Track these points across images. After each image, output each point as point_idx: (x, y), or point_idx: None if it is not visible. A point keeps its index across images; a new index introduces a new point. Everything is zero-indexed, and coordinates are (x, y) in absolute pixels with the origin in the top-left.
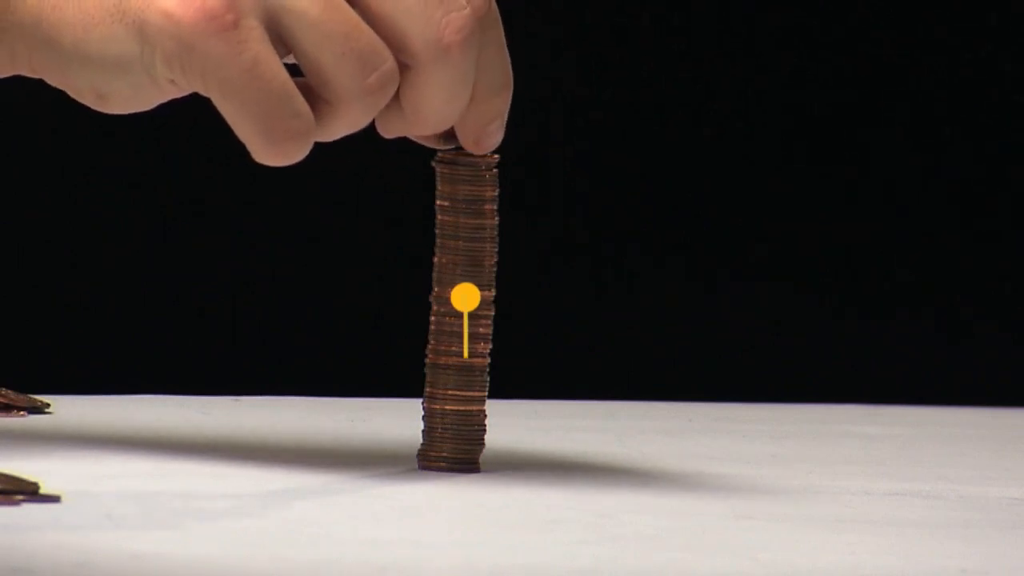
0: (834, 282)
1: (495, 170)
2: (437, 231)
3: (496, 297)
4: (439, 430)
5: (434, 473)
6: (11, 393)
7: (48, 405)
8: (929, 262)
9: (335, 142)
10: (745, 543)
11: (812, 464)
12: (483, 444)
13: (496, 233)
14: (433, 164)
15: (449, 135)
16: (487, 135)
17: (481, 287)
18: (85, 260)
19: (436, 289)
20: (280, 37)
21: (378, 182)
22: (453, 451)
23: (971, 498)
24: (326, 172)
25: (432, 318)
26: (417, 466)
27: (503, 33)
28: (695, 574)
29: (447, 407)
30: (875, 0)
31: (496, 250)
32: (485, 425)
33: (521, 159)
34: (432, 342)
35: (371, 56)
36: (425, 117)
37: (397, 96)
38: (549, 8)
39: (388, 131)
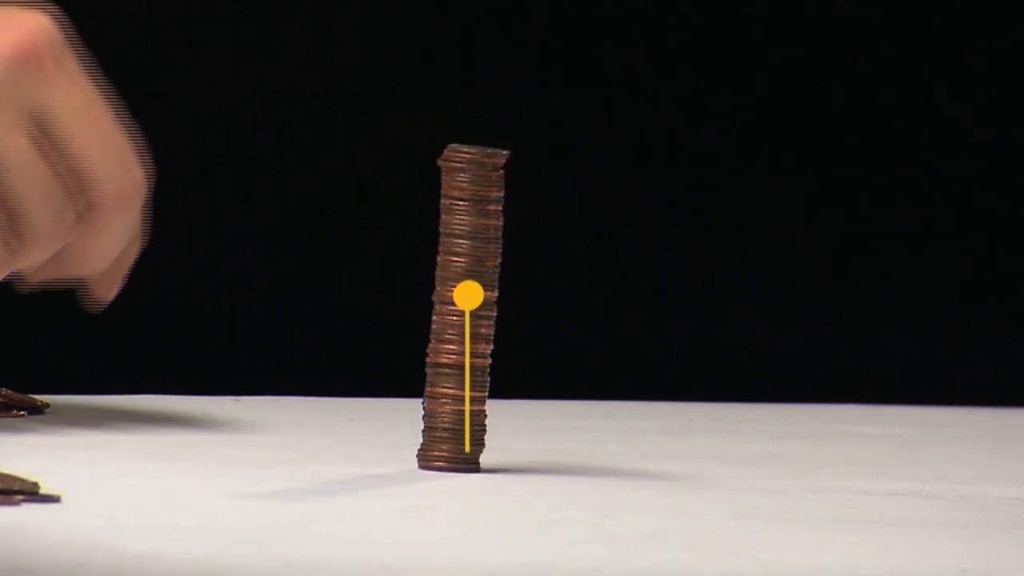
0: (834, 282)
1: (501, 171)
2: (441, 230)
3: (498, 298)
4: (439, 430)
5: (434, 473)
6: (11, 393)
7: (47, 405)
8: (929, 262)
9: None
10: (745, 543)
11: (812, 464)
12: (483, 444)
13: (500, 234)
14: (439, 163)
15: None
16: (116, 287)
17: (484, 287)
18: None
19: (438, 289)
20: None
21: (378, 182)
22: (453, 451)
23: (971, 498)
24: (326, 171)
25: (433, 318)
26: (417, 466)
27: (145, 197)
28: (695, 574)
29: (447, 407)
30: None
31: (500, 251)
32: (485, 425)
33: (521, 159)
34: (432, 342)
35: (62, 206)
36: (86, 262)
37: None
38: (551, 9)
39: (42, 275)
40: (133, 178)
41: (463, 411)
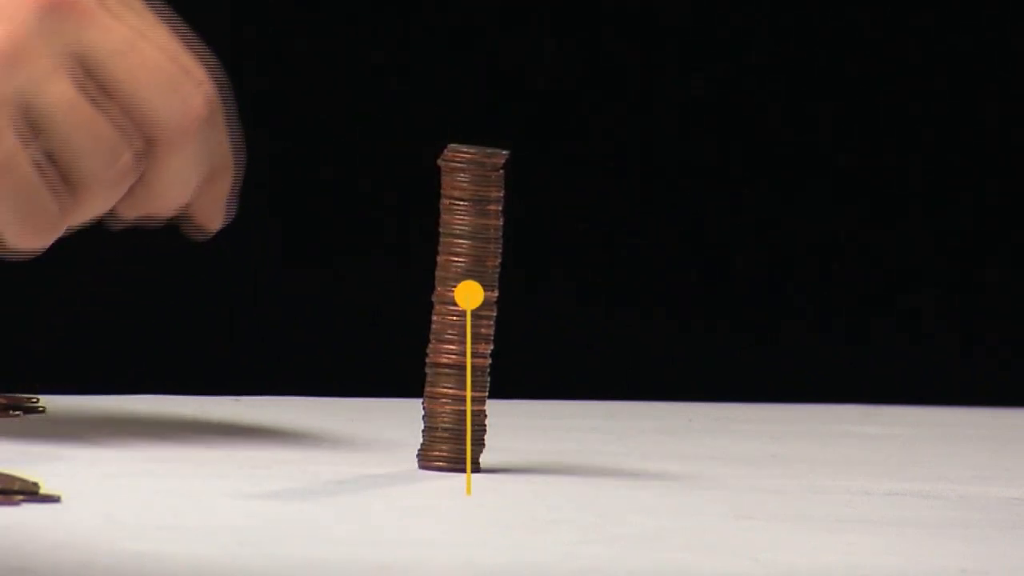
0: (833, 282)
1: (501, 171)
2: (441, 230)
3: (498, 298)
4: (439, 430)
5: (434, 473)
6: (6, 394)
7: (44, 409)
8: (929, 262)
9: (335, 140)
10: (745, 543)
11: (812, 464)
12: (483, 444)
13: (500, 234)
14: (439, 163)
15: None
16: (218, 215)
17: (484, 287)
18: (84, 259)
19: (438, 289)
20: (31, 128)
21: (379, 181)
22: (453, 451)
23: (971, 498)
24: (326, 171)
25: (433, 318)
26: (417, 466)
27: (224, 117)
28: (695, 574)
29: (447, 407)
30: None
31: (500, 251)
32: (485, 425)
33: (521, 159)
34: (432, 342)
35: (115, 148)
36: (164, 197)
37: (137, 187)
38: (555, 9)
39: (129, 214)
40: (191, 107)
41: (463, 411)
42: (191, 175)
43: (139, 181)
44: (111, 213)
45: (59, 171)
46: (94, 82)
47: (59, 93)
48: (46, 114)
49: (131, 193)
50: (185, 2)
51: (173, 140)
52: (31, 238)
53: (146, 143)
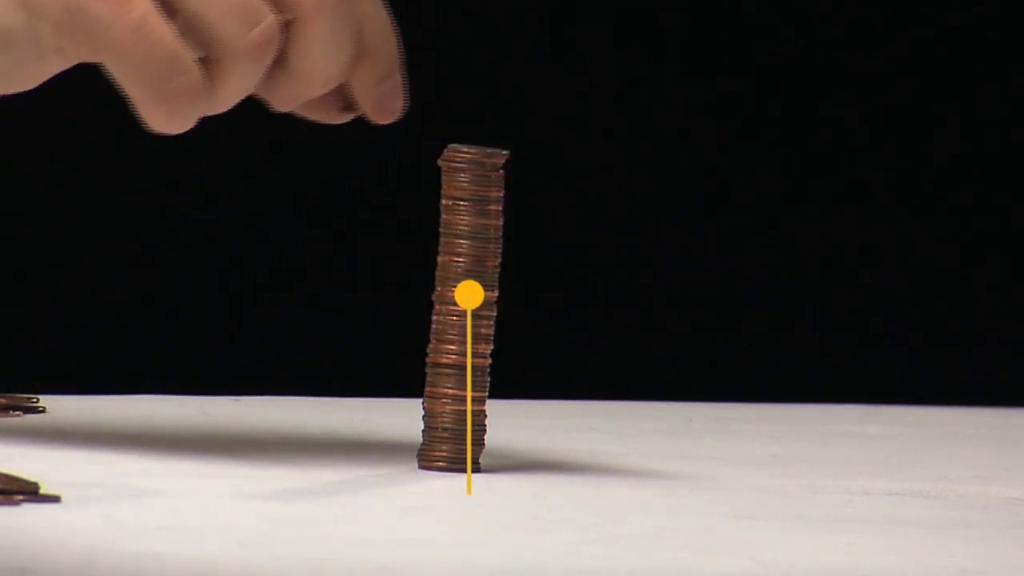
0: (833, 282)
1: (501, 171)
2: (441, 230)
3: (498, 298)
4: (439, 430)
5: (434, 473)
6: (6, 394)
7: (44, 409)
8: (929, 262)
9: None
10: (745, 543)
11: (812, 464)
12: (483, 444)
13: (500, 234)
14: (439, 163)
15: (348, 106)
16: (386, 96)
17: (484, 287)
18: (84, 259)
19: (438, 289)
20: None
21: (379, 181)
22: (453, 451)
23: (971, 498)
24: (326, 170)
25: (434, 318)
26: (417, 466)
27: None
28: (695, 574)
29: (447, 407)
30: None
31: (500, 251)
32: (485, 425)
33: (522, 159)
34: (433, 342)
35: (252, 11)
36: (312, 72)
37: (282, 62)
38: (561, 12)
39: (280, 99)
40: None
41: (463, 411)
42: (337, 45)
43: (280, 57)
44: (263, 100)
45: (197, 43)
46: None
47: None
48: None
49: (274, 72)
50: None
51: (311, 7)
52: (169, 115)
53: (283, 13)
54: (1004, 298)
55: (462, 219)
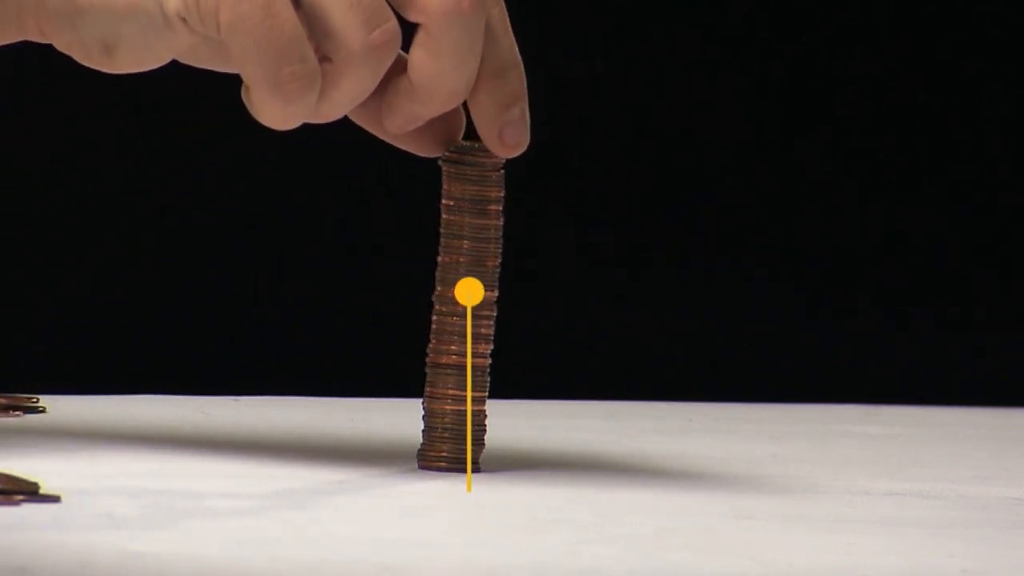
0: (834, 282)
1: (501, 171)
2: (441, 230)
3: (499, 298)
4: (439, 430)
5: (434, 473)
6: (6, 394)
7: (44, 409)
8: (929, 262)
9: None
10: (745, 543)
11: (812, 464)
12: (483, 444)
13: (501, 234)
14: (439, 163)
15: (451, 135)
16: (510, 125)
17: (484, 287)
18: (84, 259)
19: (439, 288)
20: None
21: (379, 181)
22: (453, 451)
23: (971, 498)
24: (327, 171)
25: (433, 318)
26: (417, 466)
27: (507, 14)
28: (695, 574)
29: (447, 407)
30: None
31: (500, 251)
32: (485, 425)
33: (522, 158)
34: (433, 342)
35: (377, 11)
36: (433, 86)
37: (400, 76)
38: (569, 12)
39: (394, 118)
40: None
41: (463, 411)
42: (463, 60)
43: (399, 69)
44: (372, 128)
45: (317, 35)
46: None
47: None
48: None
49: (395, 89)
50: None
51: (442, 15)
52: (281, 103)
53: (412, 18)
54: (1004, 298)
55: (462, 219)
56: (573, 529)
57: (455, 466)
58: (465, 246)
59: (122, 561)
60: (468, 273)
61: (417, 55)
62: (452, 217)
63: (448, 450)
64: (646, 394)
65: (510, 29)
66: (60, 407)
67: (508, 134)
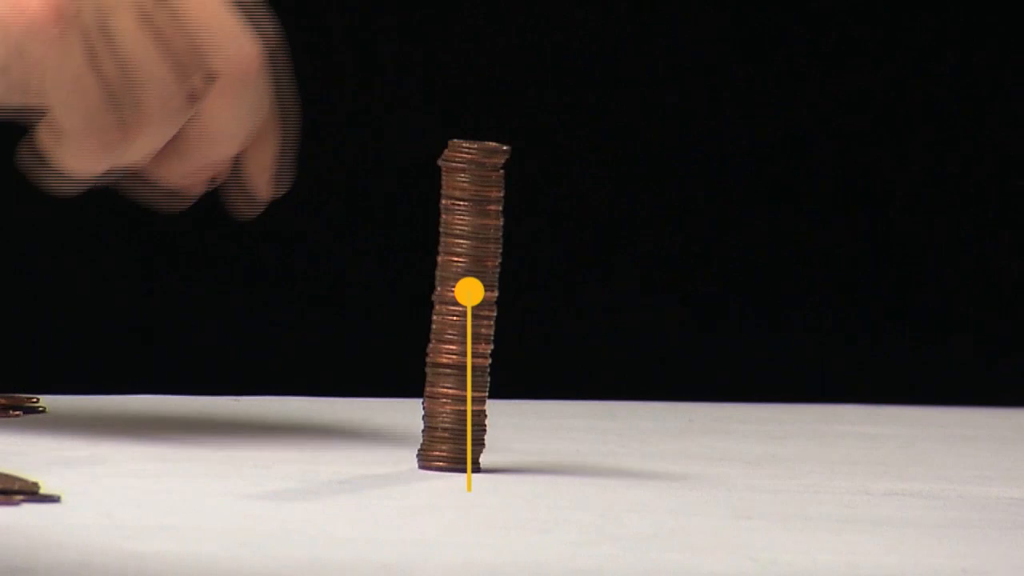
0: (834, 283)
1: (501, 171)
2: (441, 230)
3: (498, 298)
4: (439, 430)
5: (434, 473)
6: (6, 394)
7: (44, 409)
8: (929, 263)
9: (339, 139)
10: (745, 543)
11: (812, 464)
12: (483, 444)
13: (500, 234)
14: (439, 163)
15: (215, 179)
16: (267, 181)
17: (484, 287)
18: (84, 260)
19: (438, 289)
20: (101, 45)
21: (379, 181)
22: (453, 451)
23: (971, 498)
24: (327, 171)
25: (434, 318)
26: (417, 466)
27: (286, 66)
28: (695, 574)
29: (447, 407)
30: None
31: (500, 251)
32: (485, 425)
33: (521, 158)
34: (432, 342)
35: (182, 69)
36: (221, 136)
37: (197, 123)
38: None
39: (183, 160)
40: (248, 54)
41: (463, 411)
42: (239, 126)
43: (189, 125)
44: (160, 172)
45: (123, 92)
46: (162, 14)
47: (126, 21)
48: (113, 39)
49: (180, 138)
50: None
51: (231, 79)
52: (86, 157)
53: (202, 83)
54: (1004, 298)
55: (462, 219)
56: (573, 529)
57: (455, 466)
58: (464, 246)
59: (122, 561)
60: (468, 273)
61: (211, 107)
62: (452, 217)
63: (448, 450)
64: (646, 394)
65: (286, 85)
66: (60, 407)
67: (273, 182)
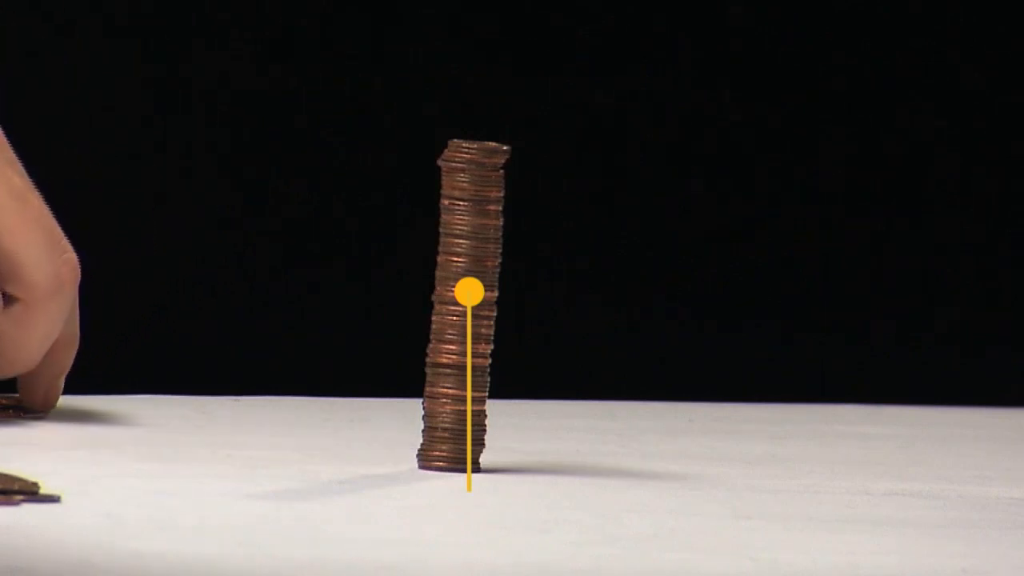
0: (834, 283)
1: (501, 171)
2: (441, 230)
3: (498, 298)
4: (439, 430)
5: (434, 473)
6: (6, 394)
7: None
8: (929, 263)
9: (339, 139)
10: (745, 543)
11: (812, 464)
12: (483, 444)
13: (500, 234)
14: (439, 163)
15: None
16: (55, 388)
17: (484, 287)
18: (84, 260)
19: (438, 289)
20: None
21: (379, 182)
22: (453, 451)
23: (971, 498)
24: (327, 171)
25: (433, 318)
26: (417, 466)
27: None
28: (695, 574)
29: (447, 407)
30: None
31: (500, 251)
32: (485, 425)
33: (522, 159)
34: (432, 342)
35: (55, 247)
36: (20, 355)
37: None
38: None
39: None
40: (65, 263)
41: (463, 411)
42: (51, 334)
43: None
44: None
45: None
46: None
47: None
48: None
49: None
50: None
51: (45, 294)
52: None
53: (16, 293)
54: (1004, 298)
55: (462, 219)
56: (573, 529)
57: (455, 466)
58: (464, 246)
59: (122, 561)
60: (467, 273)
61: (12, 328)
62: (451, 217)
63: (448, 450)
64: (646, 394)
65: (77, 308)
66: (60, 407)
67: (52, 395)
